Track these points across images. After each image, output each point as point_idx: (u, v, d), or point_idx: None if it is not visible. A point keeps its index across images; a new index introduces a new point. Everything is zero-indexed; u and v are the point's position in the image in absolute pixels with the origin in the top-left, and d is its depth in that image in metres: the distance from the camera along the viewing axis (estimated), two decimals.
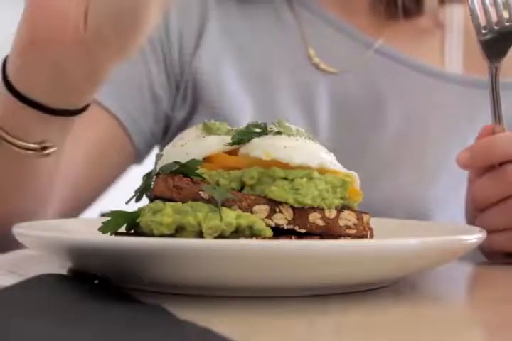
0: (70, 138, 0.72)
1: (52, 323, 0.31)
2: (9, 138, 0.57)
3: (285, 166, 0.48)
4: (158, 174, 0.48)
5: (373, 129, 0.86)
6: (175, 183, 0.46)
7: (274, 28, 0.90)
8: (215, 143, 0.51)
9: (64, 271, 0.46)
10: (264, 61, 0.88)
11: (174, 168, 0.47)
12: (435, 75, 0.88)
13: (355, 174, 0.51)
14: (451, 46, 0.91)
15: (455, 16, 0.93)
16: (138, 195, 0.51)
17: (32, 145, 0.58)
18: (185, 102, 0.88)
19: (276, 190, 0.46)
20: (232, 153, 0.51)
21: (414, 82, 0.88)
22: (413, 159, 0.86)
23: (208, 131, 0.52)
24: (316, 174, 0.48)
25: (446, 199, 0.84)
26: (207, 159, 0.50)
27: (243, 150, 0.50)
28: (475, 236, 0.47)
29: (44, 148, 0.58)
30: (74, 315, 0.34)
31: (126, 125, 0.84)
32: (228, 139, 0.51)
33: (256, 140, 0.50)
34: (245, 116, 0.83)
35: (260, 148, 0.49)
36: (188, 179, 0.47)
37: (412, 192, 0.84)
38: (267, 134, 0.51)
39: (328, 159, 0.50)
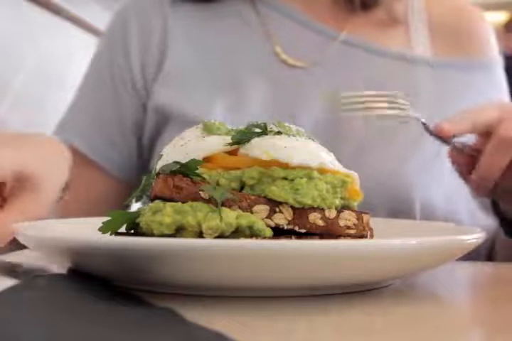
0: None
1: (53, 324, 0.31)
2: None
3: (285, 166, 0.48)
4: (158, 174, 0.48)
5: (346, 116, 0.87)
6: (175, 183, 0.46)
7: (238, 28, 0.91)
8: (215, 143, 0.51)
9: (64, 271, 0.46)
10: (231, 63, 0.89)
11: (174, 168, 0.47)
12: (403, 59, 0.90)
13: (355, 174, 0.51)
14: (417, 32, 0.93)
15: (416, 3, 0.95)
16: (138, 195, 0.51)
17: None
18: (154, 116, 0.89)
19: (276, 190, 0.46)
20: (232, 153, 0.51)
21: (381, 66, 0.90)
22: (384, 139, 0.87)
23: (208, 131, 0.52)
24: (316, 174, 0.48)
25: (425, 171, 0.85)
26: (207, 159, 0.50)
27: (243, 150, 0.50)
28: (475, 236, 0.47)
29: None
30: (74, 315, 0.34)
31: (94, 158, 0.89)
32: (228, 139, 0.51)
33: (256, 140, 0.50)
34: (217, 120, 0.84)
35: (260, 148, 0.49)
36: (188, 179, 0.47)
37: (389, 167, 0.85)
38: (267, 134, 0.51)
39: (328, 159, 0.50)
